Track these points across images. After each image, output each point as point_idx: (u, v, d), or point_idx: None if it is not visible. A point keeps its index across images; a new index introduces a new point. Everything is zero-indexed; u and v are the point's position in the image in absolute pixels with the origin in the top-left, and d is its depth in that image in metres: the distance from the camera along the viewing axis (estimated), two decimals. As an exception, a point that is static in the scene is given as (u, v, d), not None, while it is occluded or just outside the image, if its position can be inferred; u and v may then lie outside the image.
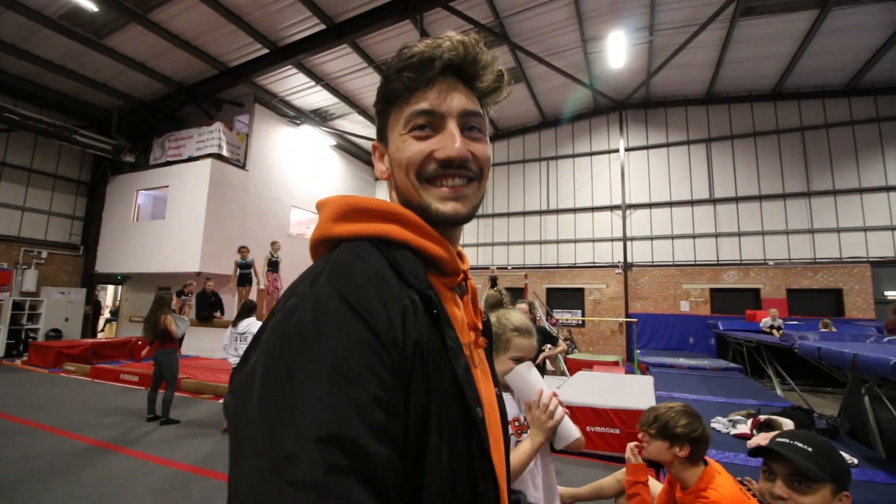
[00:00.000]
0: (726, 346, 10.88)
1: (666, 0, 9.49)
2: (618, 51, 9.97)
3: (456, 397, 0.52)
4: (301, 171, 14.09)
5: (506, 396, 1.50)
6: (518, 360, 1.49)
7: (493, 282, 8.66)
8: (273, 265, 9.42)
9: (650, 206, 13.59)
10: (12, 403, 6.30)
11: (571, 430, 1.38)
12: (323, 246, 0.61)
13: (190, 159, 11.55)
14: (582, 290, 14.04)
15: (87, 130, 11.84)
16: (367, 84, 12.12)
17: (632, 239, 13.61)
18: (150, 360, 7.64)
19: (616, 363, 9.86)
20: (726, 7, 8.94)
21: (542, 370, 4.39)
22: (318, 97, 12.89)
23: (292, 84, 12.23)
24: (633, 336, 12.25)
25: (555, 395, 1.40)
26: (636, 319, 11.60)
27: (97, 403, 6.61)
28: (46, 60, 10.29)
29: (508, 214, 15.40)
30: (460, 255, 0.72)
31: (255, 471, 0.37)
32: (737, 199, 12.74)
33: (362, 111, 13.41)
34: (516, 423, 1.48)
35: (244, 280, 9.20)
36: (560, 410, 1.37)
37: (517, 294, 13.53)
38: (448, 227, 0.64)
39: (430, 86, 0.61)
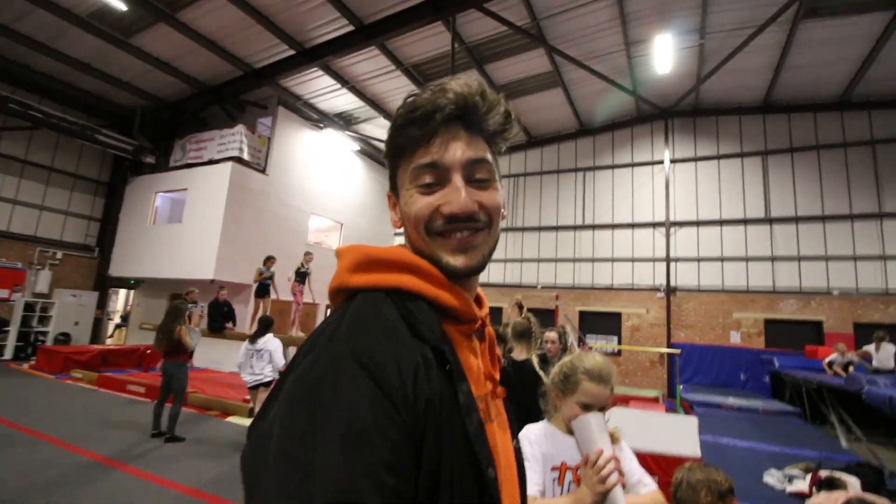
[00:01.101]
0: (783, 385, 10.37)
1: (719, 1, 9.32)
2: (664, 55, 9.82)
3: (468, 457, 0.55)
4: (322, 177, 14.37)
5: (570, 441, 1.52)
6: (586, 407, 1.48)
7: (521, 308, 8.58)
8: (302, 276, 9.65)
9: (697, 223, 13.22)
10: (17, 410, 6.55)
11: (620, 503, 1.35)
12: (340, 295, 0.66)
13: (210, 162, 11.94)
14: (619, 314, 13.72)
15: (109, 130, 12.42)
16: (395, 87, 12.31)
17: (676, 260, 13.25)
18: (157, 371, 7.82)
19: (656, 399, 9.54)
20: (787, 8, 8.69)
21: None
22: (343, 100, 13.17)
23: (318, 86, 12.54)
24: (675, 369, 11.84)
25: (615, 459, 1.38)
26: (679, 350, 11.20)
27: (101, 414, 6.80)
28: (74, 59, 10.88)
29: (539, 228, 15.26)
30: (479, 299, 0.76)
31: None
32: (797, 220, 12.26)
33: (388, 115, 13.61)
34: (578, 472, 1.48)
35: (263, 291, 9.40)
36: (614, 477, 1.34)
37: (547, 317, 13.34)
38: (460, 278, 0.67)
39: (432, 139, 0.65)
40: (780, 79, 11.51)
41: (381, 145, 12.40)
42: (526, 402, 1.94)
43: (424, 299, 0.63)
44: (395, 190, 0.73)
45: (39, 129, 11.54)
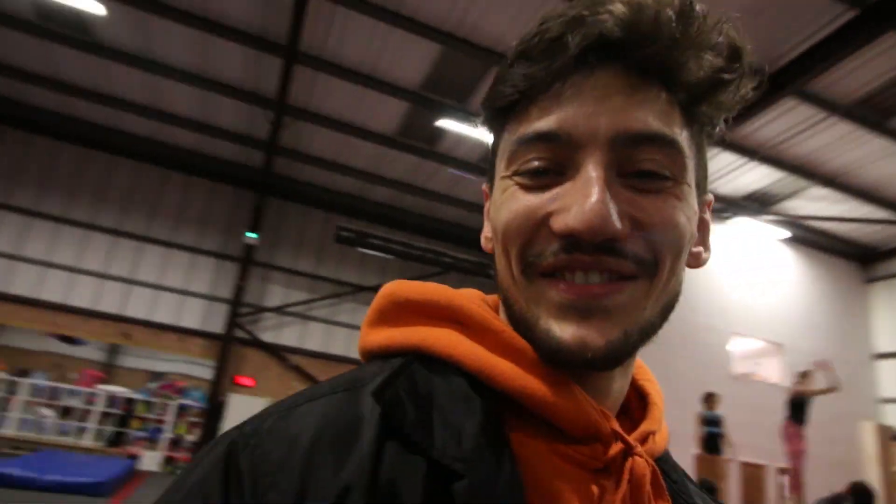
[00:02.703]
0: None
1: None
2: None
3: None
4: (739, 283, 13.79)
5: None
6: None
7: None
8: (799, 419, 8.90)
9: None
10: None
11: None
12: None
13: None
14: None
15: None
16: (830, 140, 11.32)
17: None
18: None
19: None
20: None
21: None
22: (751, 176, 12.85)
23: (713, 167, 12.78)
24: None
25: None
26: None
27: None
28: (467, 202, 14.73)
29: None
30: (644, 396, 0.57)
31: None
32: None
33: (828, 179, 12.52)
34: None
35: (712, 444, 8.55)
36: None
37: None
38: (566, 367, 0.46)
39: (562, 85, 0.45)
40: None
41: (823, 225, 11.35)
42: None
43: (464, 373, 0.45)
44: (491, 181, 0.56)
45: (448, 272, 15.79)
